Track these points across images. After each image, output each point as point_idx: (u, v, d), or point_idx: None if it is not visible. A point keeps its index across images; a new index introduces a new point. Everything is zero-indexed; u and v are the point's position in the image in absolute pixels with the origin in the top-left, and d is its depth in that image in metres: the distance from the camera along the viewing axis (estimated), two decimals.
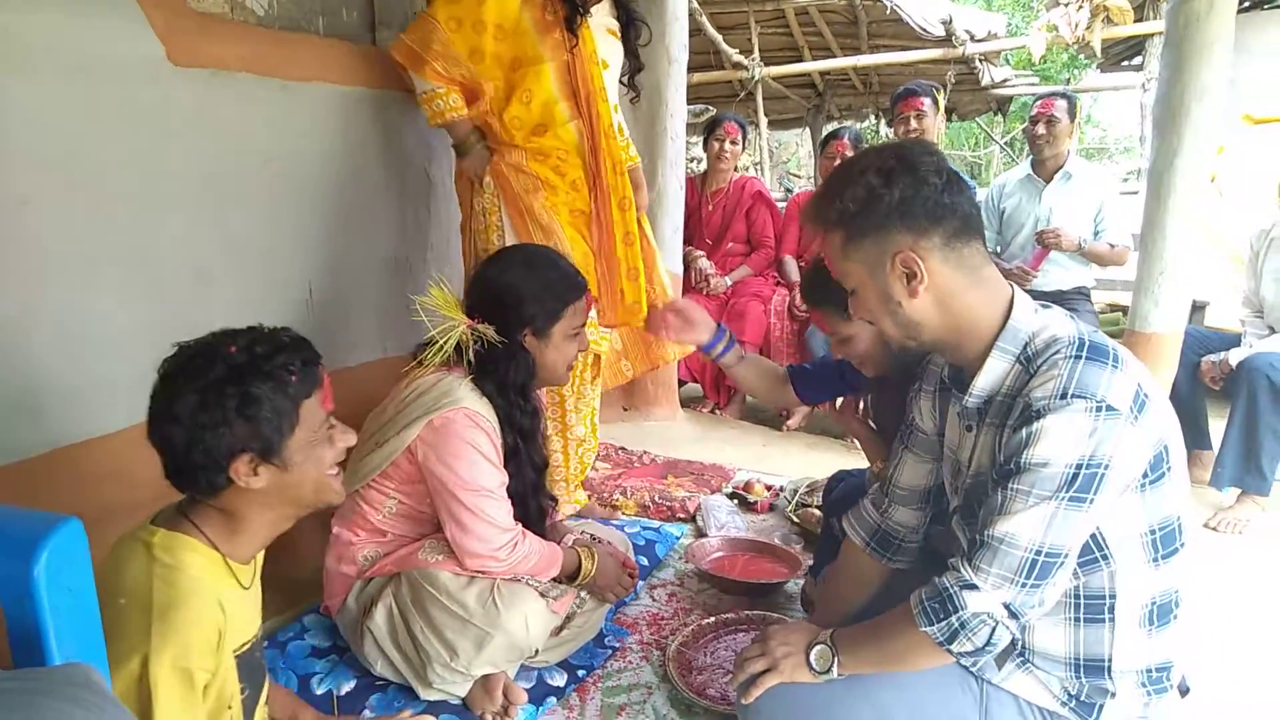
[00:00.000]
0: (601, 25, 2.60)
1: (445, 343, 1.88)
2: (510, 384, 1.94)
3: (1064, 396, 1.23)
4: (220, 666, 1.28)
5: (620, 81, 2.74)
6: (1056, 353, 1.28)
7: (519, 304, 1.93)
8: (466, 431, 1.84)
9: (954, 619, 1.29)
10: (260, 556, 1.50)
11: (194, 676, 1.22)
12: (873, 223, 1.33)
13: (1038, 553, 1.24)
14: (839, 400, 2.16)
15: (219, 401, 1.25)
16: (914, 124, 3.78)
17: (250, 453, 1.28)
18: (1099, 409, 1.21)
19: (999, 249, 3.97)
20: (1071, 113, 3.73)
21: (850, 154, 4.18)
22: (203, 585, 1.27)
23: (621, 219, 2.63)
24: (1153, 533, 1.31)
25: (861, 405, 2.08)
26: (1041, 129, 3.72)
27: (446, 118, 2.54)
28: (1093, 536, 1.30)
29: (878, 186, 1.32)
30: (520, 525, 1.93)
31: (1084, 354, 1.26)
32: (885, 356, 1.87)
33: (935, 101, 3.82)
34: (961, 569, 1.30)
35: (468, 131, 2.59)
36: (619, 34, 2.67)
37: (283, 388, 1.29)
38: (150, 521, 1.35)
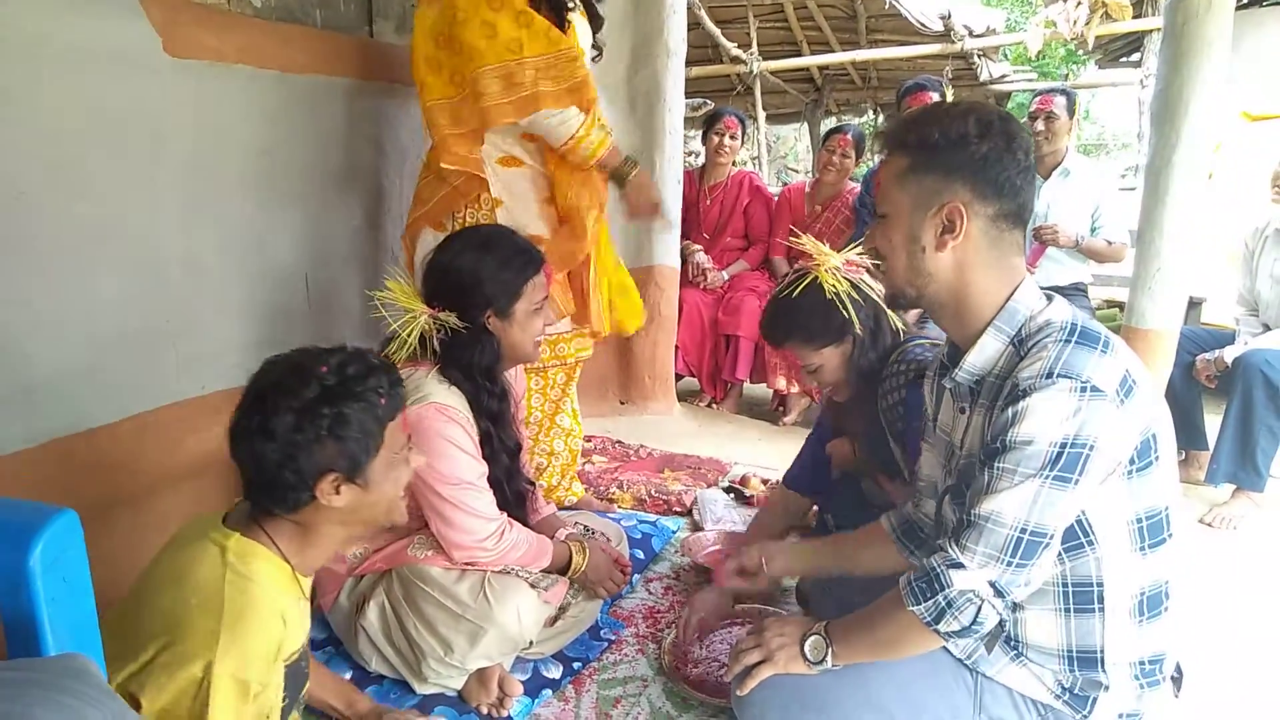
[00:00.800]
0: (574, 8, 2.54)
1: (409, 335, 1.86)
2: (476, 368, 1.91)
3: (1049, 376, 1.24)
4: (272, 678, 1.30)
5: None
6: (1047, 336, 1.30)
7: (477, 286, 1.90)
8: (441, 426, 1.82)
9: (940, 597, 1.30)
10: None
11: (249, 688, 1.24)
12: (947, 163, 1.33)
13: (1023, 531, 1.25)
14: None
15: (313, 421, 1.28)
16: None
17: (337, 472, 1.31)
18: (1083, 389, 1.22)
19: None
20: (1070, 109, 3.73)
21: (849, 152, 4.19)
22: (270, 598, 1.29)
23: (601, 223, 2.61)
24: (1139, 521, 1.32)
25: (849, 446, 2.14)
26: (1040, 126, 3.71)
27: (610, 143, 2.44)
28: (1078, 521, 1.31)
29: (971, 133, 1.31)
30: (506, 515, 1.93)
31: (1074, 338, 1.27)
32: (850, 375, 1.91)
33: (942, 97, 3.81)
34: (948, 548, 1.31)
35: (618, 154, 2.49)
36: (583, 11, 2.59)
37: (372, 409, 1.33)
38: (222, 521, 1.37)
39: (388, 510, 1.43)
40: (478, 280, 1.90)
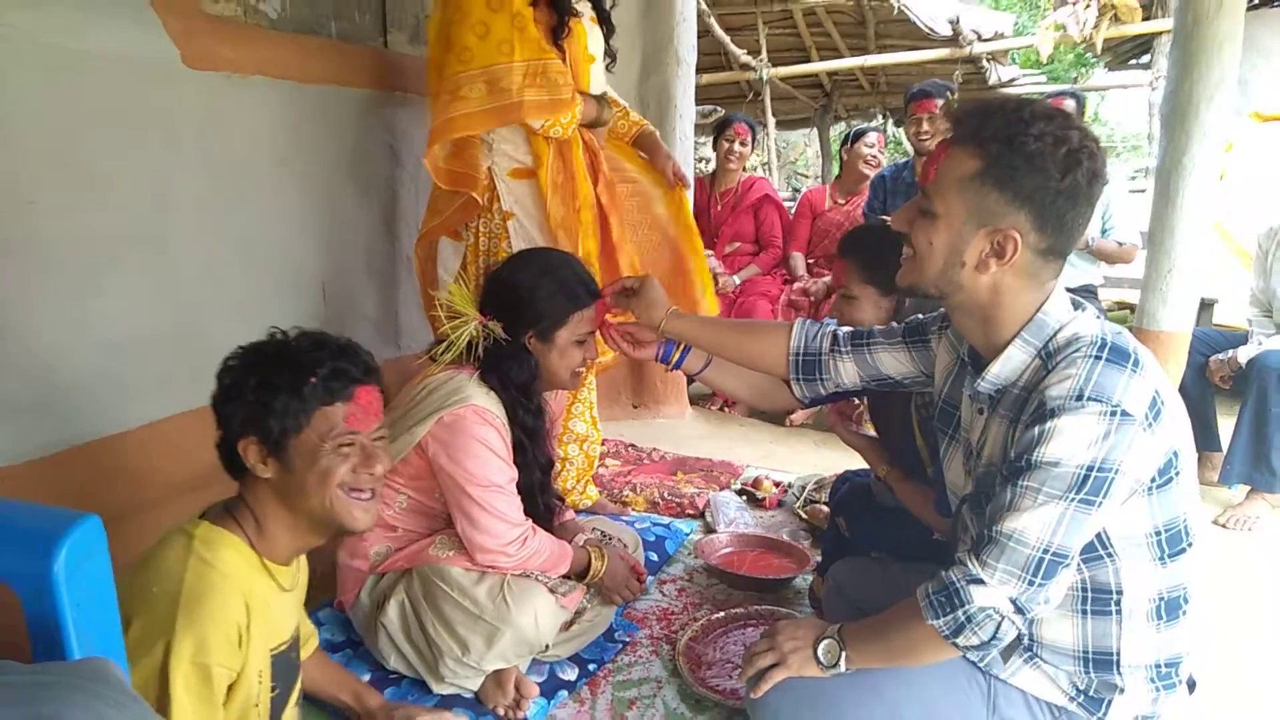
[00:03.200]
0: (584, 15, 2.56)
1: (457, 339, 1.89)
2: (512, 382, 1.94)
3: (1079, 398, 1.21)
4: (246, 665, 1.29)
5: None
6: (1076, 351, 1.26)
7: (525, 305, 1.94)
8: (476, 428, 1.85)
9: (960, 613, 1.29)
10: (303, 562, 1.52)
11: (212, 673, 1.23)
12: (1019, 187, 1.23)
13: (1045, 551, 1.24)
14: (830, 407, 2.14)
15: (244, 380, 1.31)
16: (927, 125, 3.78)
17: (255, 438, 1.31)
18: (1113, 413, 1.20)
19: None
20: (1080, 112, 3.73)
21: (879, 152, 4.24)
22: (231, 582, 1.29)
23: (614, 208, 2.64)
24: (1159, 533, 1.30)
25: (855, 415, 2.08)
26: None
27: (578, 117, 2.45)
28: (1097, 535, 1.29)
29: (1057, 166, 1.21)
30: (530, 521, 1.95)
31: (1104, 355, 1.24)
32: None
33: (949, 104, 3.81)
34: (969, 563, 1.29)
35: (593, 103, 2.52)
36: (595, 18, 2.61)
37: (299, 384, 1.31)
38: (200, 515, 1.38)
39: (323, 504, 1.35)
40: (528, 299, 1.93)
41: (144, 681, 1.20)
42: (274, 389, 1.30)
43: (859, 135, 4.43)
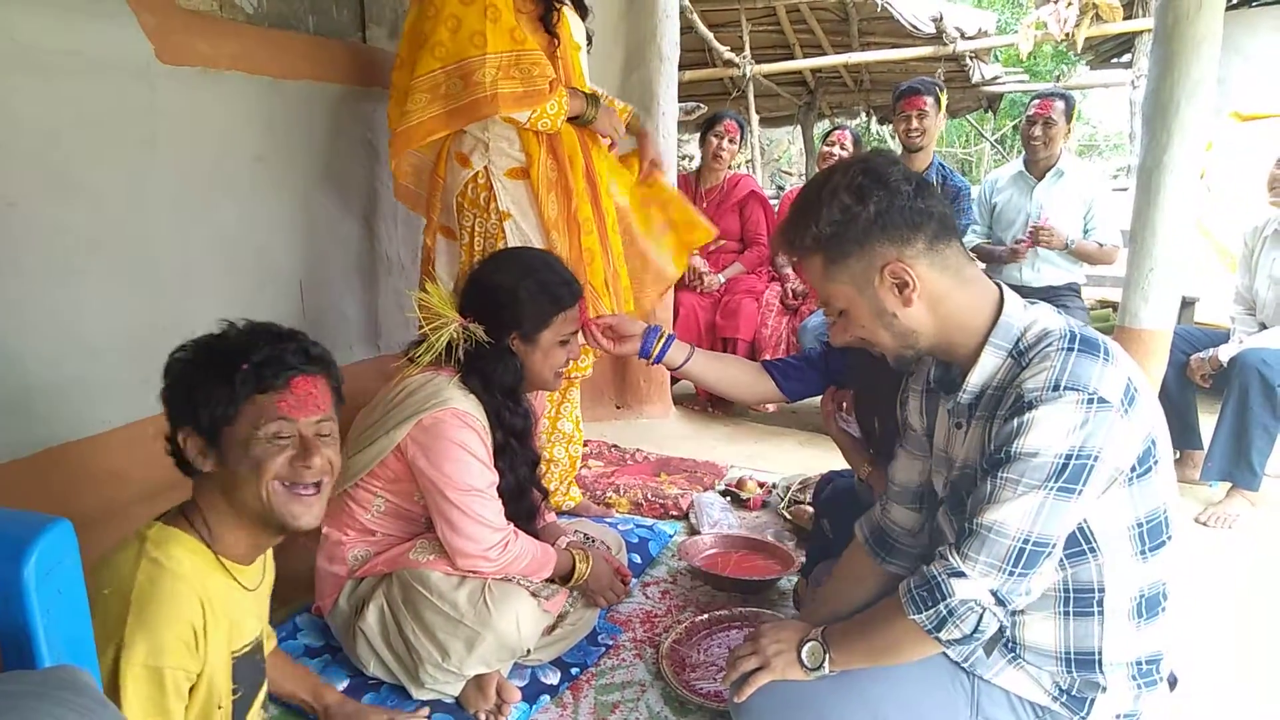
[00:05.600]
0: (565, 1, 2.55)
1: (436, 341, 1.87)
2: (496, 385, 1.92)
3: (1056, 388, 1.23)
4: (206, 667, 1.27)
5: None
6: (1049, 345, 1.29)
7: (508, 306, 1.91)
8: (456, 432, 1.83)
9: (942, 606, 1.30)
10: (268, 560, 1.50)
11: (165, 676, 1.20)
12: (854, 241, 1.33)
13: (1025, 541, 1.25)
14: (820, 398, 2.14)
15: (180, 370, 1.31)
16: (915, 123, 3.78)
17: (190, 428, 1.30)
18: (1090, 401, 1.22)
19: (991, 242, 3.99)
20: (1069, 114, 3.75)
21: (851, 146, 4.22)
22: (185, 583, 1.26)
23: (609, 204, 2.61)
24: (1140, 525, 1.32)
25: (845, 404, 2.07)
26: (1039, 130, 3.73)
27: (565, 109, 2.41)
28: (1080, 529, 1.31)
29: (851, 204, 1.31)
30: (512, 525, 1.93)
31: (1076, 346, 1.27)
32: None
33: (938, 100, 3.82)
34: (950, 557, 1.31)
35: (580, 98, 2.48)
36: (571, 5, 2.59)
37: (228, 374, 1.28)
38: (155, 518, 1.35)
39: (260, 500, 1.30)
40: (510, 300, 1.91)
41: (102, 685, 1.17)
42: (205, 377, 1.28)
43: (825, 136, 4.48)
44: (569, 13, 2.54)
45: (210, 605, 1.28)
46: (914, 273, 1.32)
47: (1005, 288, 1.40)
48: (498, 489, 1.90)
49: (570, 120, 2.46)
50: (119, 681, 1.16)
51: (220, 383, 1.27)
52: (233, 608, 1.34)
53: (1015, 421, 1.26)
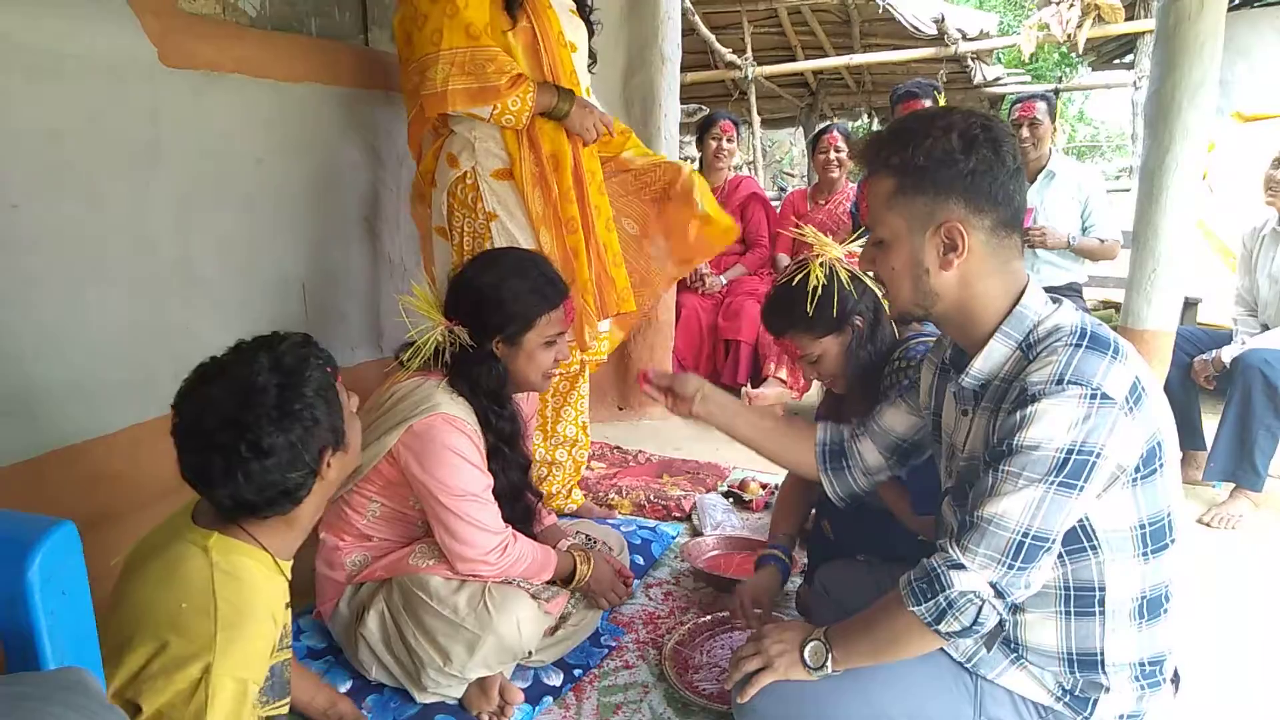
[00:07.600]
0: (564, 5, 2.53)
1: (424, 345, 1.85)
2: (481, 389, 1.90)
3: (1060, 382, 1.23)
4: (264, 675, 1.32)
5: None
6: (1057, 340, 1.29)
7: (491, 308, 1.88)
8: (448, 437, 1.81)
9: (941, 598, 1.30)
10: None
11: (248, 687, 1.26)
12: (936, 182, 1.30)
13: (1025, 535, 1.25)
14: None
15: (296, 416, 1.28)
16: None
17: (330, 447, 1.34)
18: (1093, 396, 1.22)
19: None
20: (1051, 113, 3.75)
21: (841, 145, 4.22)
22: (261, 597, 1.31)
23: (602, 204, 2.60)
24: (1142, 527, 1.31)
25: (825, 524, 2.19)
26: (1025, 133, 3.72)
27: (530, 105, 2.36)
28: (1081, 526, 1.30)
29: (956, 150, 1.28)
30: (511, 528, 1.92)
31: (1084, 343, 1.27)
32: (850, 367, 1.90)
33: (935, 103, 3.82)
34: (950, 549, 1.31)
35: (550, 92, 2.41)
36: (578, 12, 2.58)
37: (326, 376, 1.34)
38: (192, 519, 1.36)
39: (354, 462, 1.46)
40: (493, 303, 1.88)
41: (176, 695, 1.21)
42: (320, 398, 1.33)
43: (816, 139, 4.46)
44: (565, 13, 2.53)
45: (276, 614, 1.34)
46: (968, 242, 1.31)
47: (1033, 281, 1.39)
48: (492, 492, 1.90)
49: (543, 116, 2.44)
50: (206, 692, 1.21)
51: (329, 386, 1.35)
52: (282, 612, 1.39)
53: (1018, 414, 1.25)
